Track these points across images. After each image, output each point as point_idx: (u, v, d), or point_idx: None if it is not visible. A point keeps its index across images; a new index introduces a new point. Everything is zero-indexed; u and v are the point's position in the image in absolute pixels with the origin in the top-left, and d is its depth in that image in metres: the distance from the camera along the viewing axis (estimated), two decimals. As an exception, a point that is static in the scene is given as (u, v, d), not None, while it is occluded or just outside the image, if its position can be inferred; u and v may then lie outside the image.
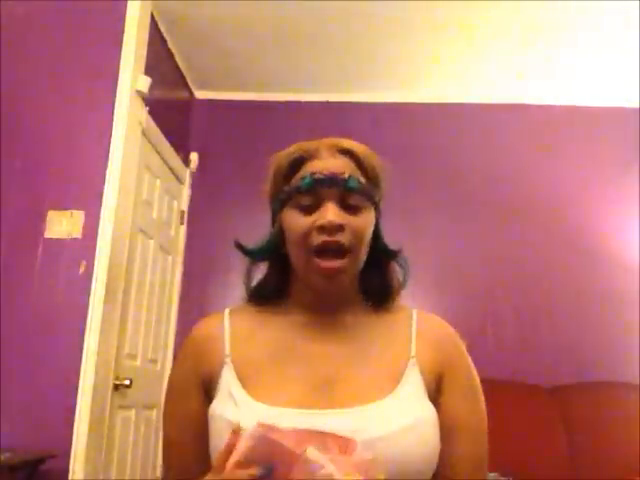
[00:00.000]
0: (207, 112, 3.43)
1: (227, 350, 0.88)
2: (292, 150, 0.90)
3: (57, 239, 2.25)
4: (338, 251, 0.84)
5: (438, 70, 3.15)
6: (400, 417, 0.80)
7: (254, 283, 0.96)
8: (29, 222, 2.28)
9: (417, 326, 0.91)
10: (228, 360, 0.87)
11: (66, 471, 2.01)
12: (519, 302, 3.07)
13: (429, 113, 3.34)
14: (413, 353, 0.87)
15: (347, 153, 0.88)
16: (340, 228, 0.83)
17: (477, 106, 3.33)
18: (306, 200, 0.85)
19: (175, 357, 0.94)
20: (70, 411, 2.06)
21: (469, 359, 0.92)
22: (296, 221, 0.86)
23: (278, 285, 0.94)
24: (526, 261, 3.12)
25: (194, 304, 3.11)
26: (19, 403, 2.08)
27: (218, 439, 0.81)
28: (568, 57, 2.96)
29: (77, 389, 2.08)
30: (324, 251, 0.84)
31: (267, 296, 0.94)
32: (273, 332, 0.90)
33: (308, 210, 0.85)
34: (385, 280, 0.94)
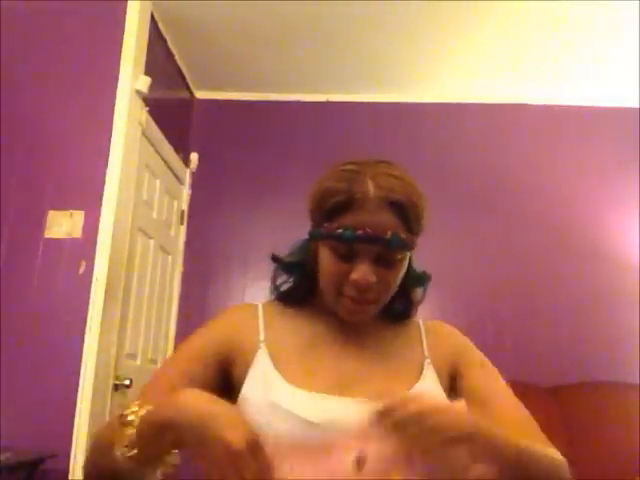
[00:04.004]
0: (207, 112, 3.43)
1: (262, 336, 0.93)
2: (339, 186, 0.87)
3: (57, 239, 2.26)
4: (366, 302, 0.90)
5: (438, 70, 3.15)
6: None
7: (278, 286, 1.00)
8: (29, 222, 2.28)
9: (425, 331, 1.00)
10: (263, 345, 0.91)
11: (66, 471, 2.01)
12: (519, 302, 3.07)
13: (429, 113, 3.35)
14: (427, 354, 0.95)
15: (394, 205, 0.86)
16: (371, 287, 0.87)
17: (477, 106, 3.33)
18: (343, 249, 0.86)
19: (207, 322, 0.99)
20: (70, 411, 2.06)
21: (471, 344, 1.00)
22: (330, 264, 0.88)
23: (306, 292, 0.99)
24: (526, 261, 3.12)
25: (194, 304, 3.10)
26: (19, 403, 2.08)
27: (250, 414, 0.83)
28: (568, 57, 2.96)
29: (77, 389, 2.08)
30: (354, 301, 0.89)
31: (295, 301, 0.99)
32: (302, 330, 0.95)
33: (344, 258, 0.87)
34: (408, 302, 1.00)
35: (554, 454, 0.85)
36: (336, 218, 0.87)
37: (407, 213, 0.87)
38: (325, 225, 0.88)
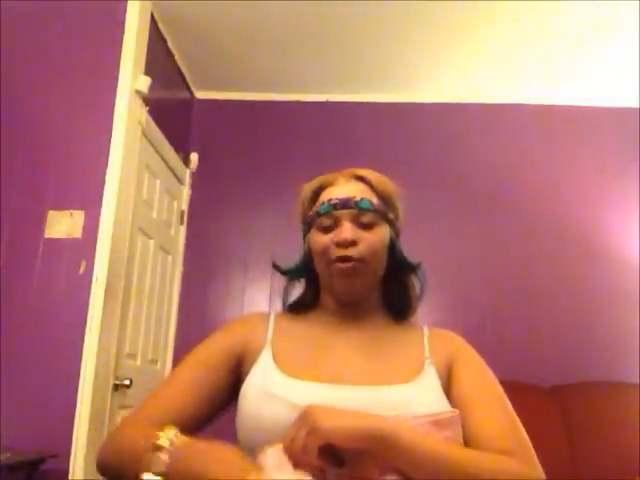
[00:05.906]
0: (207, 112, 3.43)
1: (269, 338, 1.00)
2: (315, 181, 1.05)
3: (57, 239, 2.25)
4: (352, 260, 0.96)
5: (438, 70, 3.15)
6: (425, 403, 0.88)
7: (286, 297, 1.09)
8: (29, 222, 2.28)
9: (428, 335, 1.03)
10: (268, 346, 0.98)
11: (66, 471, 2.00)
12: (519, 302, 3.07)
13: (429, 113, 3.34)
14: (428, 355, 0.98)
15: (361, 179, 1.01)
16: (354, 243, 0.95)
17: (477, 106, 3.33)
18: (326, 222, 0.99)
19: (219, 328, 1.06)
20: (70, 411, 2.06)
21: (473, 350, 1.02)
22: (318, 239, 0.99)
23: (311, 299, 1.08)
24: (526, 261, 3.12)
25: (194, 304, 3.10)
26: (19, 403, 2.08)
27: (248, 406, 0.89)
28: (568, 57, 2.96)
29: (77, 389, 2.08)
30: (342, 259, 0.96)
31: (302, 308, 1.07)
32: (306, 332, 1.02)
33: (328, 230, 0.99)
34: (404, 293, 1.06)
35: (515, 468, 0.82)
36: (316, 201, 1.02)
37: (373, 185, 1.01)
38: (309, 214, 1.02)
